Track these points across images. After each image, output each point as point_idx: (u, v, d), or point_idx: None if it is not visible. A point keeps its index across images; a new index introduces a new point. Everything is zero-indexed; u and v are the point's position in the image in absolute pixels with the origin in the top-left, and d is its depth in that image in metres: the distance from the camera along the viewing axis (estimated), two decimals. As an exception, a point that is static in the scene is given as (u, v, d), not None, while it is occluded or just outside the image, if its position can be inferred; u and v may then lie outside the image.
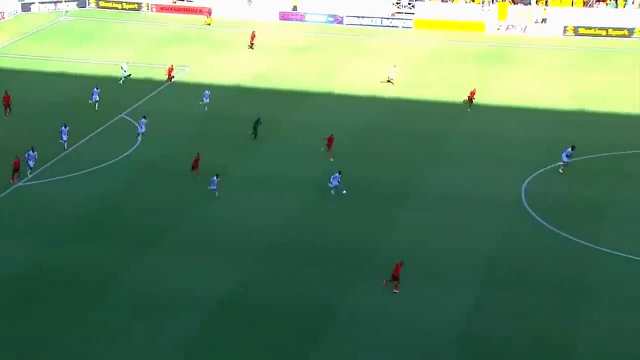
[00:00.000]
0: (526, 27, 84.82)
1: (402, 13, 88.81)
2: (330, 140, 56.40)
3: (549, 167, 55.87)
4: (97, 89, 65.36)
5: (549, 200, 51.66)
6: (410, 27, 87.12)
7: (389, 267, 44.33)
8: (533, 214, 50.19)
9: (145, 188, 53.87)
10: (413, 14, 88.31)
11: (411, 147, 59.44)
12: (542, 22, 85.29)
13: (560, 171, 54.87)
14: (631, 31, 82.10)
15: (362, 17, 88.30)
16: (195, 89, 69.70)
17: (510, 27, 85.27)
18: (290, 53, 79.98)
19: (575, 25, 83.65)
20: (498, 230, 48.45)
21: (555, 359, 37.87)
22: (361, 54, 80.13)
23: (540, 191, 52.87)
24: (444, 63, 77.12)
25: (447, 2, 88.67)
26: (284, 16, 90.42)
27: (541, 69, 74.78)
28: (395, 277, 42.33)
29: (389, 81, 70.61)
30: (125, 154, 58.34)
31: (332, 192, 51.20)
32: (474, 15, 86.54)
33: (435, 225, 49.05)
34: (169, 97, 69.31)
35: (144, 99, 68.22)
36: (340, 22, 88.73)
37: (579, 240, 47.05)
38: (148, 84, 71.02)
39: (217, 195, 51.11)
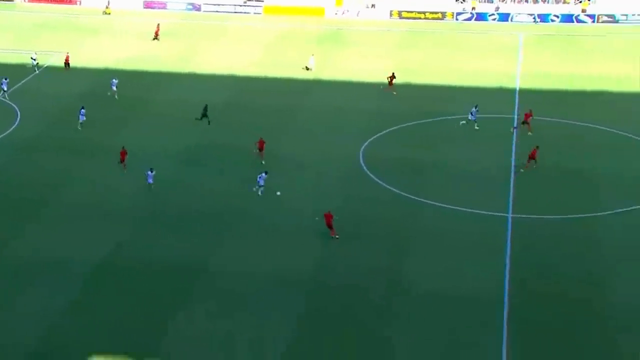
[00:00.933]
0: (359, 12, 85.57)
1: (253, 0, 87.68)
2: (261, 143, 52.32)
3: (381, 133, 56.91)
4: (6, 79, 61.77)
5: (382, 162, 52.56)
6: (260, 13, 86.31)
7: (250, 227, 44.54)
8: (369, 173, 51.04)
9: (24, 165, 51.55)
10: (262, 1, 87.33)
11: (266, 120, 59.15)
12: (372, 7, 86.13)
13: (477, 127, 56.76)
14: (444, 14, 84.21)
15: (218, 4, 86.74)
16: (68, 73, 67.12)
17: (345, 11, 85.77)
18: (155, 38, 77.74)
19: (399, 9, 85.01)
20: (341, 189, 49.05)
21: (391, 300, 38.81)
22: (218, 38, 78.81)
23: (375, 154, 53.75)
24: (290, 44, 76.94)
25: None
26: (148, 5, 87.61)
27: (372, 48, 75.66)
28: (329, 226, 42.84)
29: (307, 69, 69.18)
30: (5, 133, 55.53)
31: (260, 192, 47.46)
32: (315, 2, 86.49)
33: (287, 187, 49.04)
34: (44, 80, 66.33)
35: (21, 83, 65.04)
36: (199, 10, 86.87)
37: (408, 195, 48.22)
38: (23, 69, 67.53)
39: (152, 188, 47.97)
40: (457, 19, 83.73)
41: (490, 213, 45.98)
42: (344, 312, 37.74)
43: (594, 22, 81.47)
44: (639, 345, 35.27)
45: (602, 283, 39.53)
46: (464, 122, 57.36)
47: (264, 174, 47.53)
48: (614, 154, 53.06)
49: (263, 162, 50.63)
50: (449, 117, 59.52)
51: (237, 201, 47.39)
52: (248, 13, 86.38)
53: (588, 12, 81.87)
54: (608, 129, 56.61)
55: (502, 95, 63.44)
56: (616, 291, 38.86)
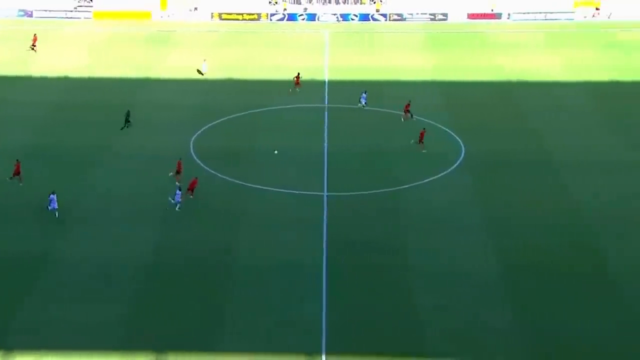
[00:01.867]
0: (183, 14, 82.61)
1: (83, 6, 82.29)
2: (179, 164, 46.77)
3: (208, 126, 55.25)
4: None
5: (211, 151, 51.16)
6: (90, 18, 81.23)
7: (88, 216, 42.40)
8: (200, 162, 49.41)
9: None
10: (92, 6, 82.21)
11: (100, 117, 56.05)
12: (194, 9, 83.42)
13: (363, 107, 57.52)
14: (259, 15, 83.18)
15: (49, 10, 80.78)
16: None
17: (171, 14, 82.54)
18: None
19: (220, 11, 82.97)
20: (174, 178, 47.02)
21: (224, 274, 37.95)
22: (50, 42, 73.30)
23: (204, 145, 52.23)
24: (119, 46, 73.00)
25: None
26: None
27: (197, 48, 73.31)
28: (191, 189, 43.83)
29: (199, 72, 64.83)
30: None
31: (177, 208, 43.41)
32: (141, 6, 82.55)
33: (119, 179, 47.00)
34: None
35: None
36: (30, 16, 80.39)
37: (235, 180, 47.24)
38: None
39: (57, 216, 42.02)
40: (271, 20, 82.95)
41: (309, 193, 45.84)
42: (182, 289, 36.61)
43: (386, 20, 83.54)
44: (434, 302, 36.40)
45: (402, 250, 40.42)
46: (365, 107, 57.66)
47: (178, 191, 43.96)
48: (408, 135, 54.34)
49: (177, 183, 45.63)
50: (269, 109, 58.84)
51: (74, 193, 44.70)
52: (79, 18, 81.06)
53: (381, 12, 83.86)
54: (401, 113, 57.94)
55: (314, 86, 63.49)
56: (414, 257, 39.84)
